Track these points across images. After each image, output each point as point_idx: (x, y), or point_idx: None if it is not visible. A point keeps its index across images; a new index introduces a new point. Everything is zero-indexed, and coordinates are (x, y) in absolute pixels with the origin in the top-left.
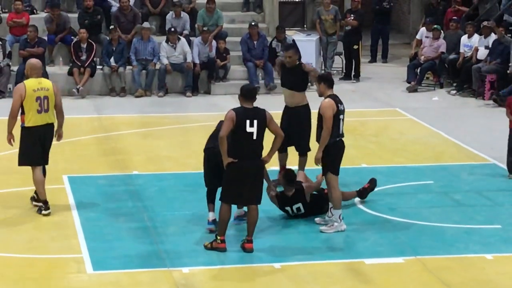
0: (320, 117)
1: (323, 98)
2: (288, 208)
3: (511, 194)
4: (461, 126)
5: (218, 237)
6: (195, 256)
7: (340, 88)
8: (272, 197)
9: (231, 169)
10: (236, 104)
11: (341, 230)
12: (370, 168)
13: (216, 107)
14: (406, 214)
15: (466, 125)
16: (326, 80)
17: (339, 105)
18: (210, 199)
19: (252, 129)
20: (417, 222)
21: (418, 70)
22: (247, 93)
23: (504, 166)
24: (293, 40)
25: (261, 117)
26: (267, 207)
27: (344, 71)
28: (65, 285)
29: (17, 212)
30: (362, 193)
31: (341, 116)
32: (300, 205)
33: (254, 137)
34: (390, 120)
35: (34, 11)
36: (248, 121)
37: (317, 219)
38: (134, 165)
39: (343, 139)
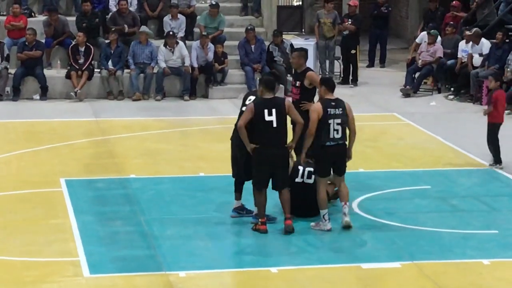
0: None
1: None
2: (300, 168)
3: (508, 199)
4: (459, 131)
5: (260, 220)
6: (192, 260)
7: (338, 92)
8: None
9: (256, 156)
10: (233, 107)
11: (326, 230)
12: (367, 173)
13: (214, 111)
14: (403, 219)
15: (463, 130)
16: (326, 84)
17: (329, 109)
18: (237, 188)
19: (271, 117)
20: (414, 227)
21: (416, 75)
22: (267, 83)
23: (502, 172)
24: (291, 45)
25: (280, 105)
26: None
27: (342, 75)
28: None
29: (14, 215)
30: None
31: (330, 121)
32: (312, 170)
33: (274, 125)
34: (388, 125)
35: (32, 14)
36: (266, 111)
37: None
38: (132, 169)
39: (340, 143)
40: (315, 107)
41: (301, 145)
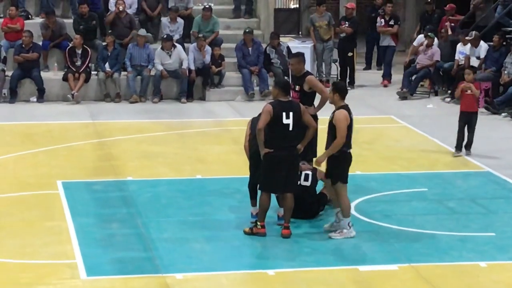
0: (332, 126)
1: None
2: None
3: (505, 202)
4: (456, 133)
5: (259, 223)
6: (189, 262)
7: None
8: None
9: (268, 159)
10: (231, 110)
11: (351, 237)
12: (364, 175)
13: (210, 114)
14: (400, 222)
15: None
16: (340, 91)
17: (351, 116)
18: (252, 195)
19: (288, 120)
20: (411, 229)
21: (413, 78)
22: (284, 86)
23: (499, 174)
24: (288, 47)
25: (296, 109)
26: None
27: (339, 78)
28: None
29: (10, 217)
30: None
31: (351, 128)
32: (310, 173)
33: (290, 128)
34: (385, 128)
35: (29, 16)
36: (284, 113)
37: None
38: (129, 171)
39: (351, 150)
40: (343, 116)
41: (306, 148)
